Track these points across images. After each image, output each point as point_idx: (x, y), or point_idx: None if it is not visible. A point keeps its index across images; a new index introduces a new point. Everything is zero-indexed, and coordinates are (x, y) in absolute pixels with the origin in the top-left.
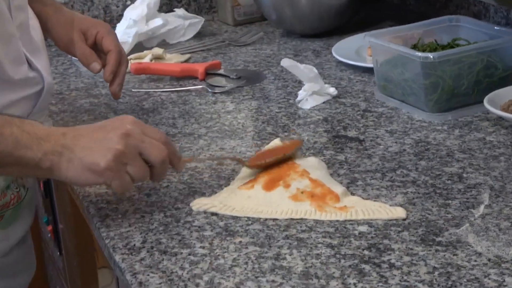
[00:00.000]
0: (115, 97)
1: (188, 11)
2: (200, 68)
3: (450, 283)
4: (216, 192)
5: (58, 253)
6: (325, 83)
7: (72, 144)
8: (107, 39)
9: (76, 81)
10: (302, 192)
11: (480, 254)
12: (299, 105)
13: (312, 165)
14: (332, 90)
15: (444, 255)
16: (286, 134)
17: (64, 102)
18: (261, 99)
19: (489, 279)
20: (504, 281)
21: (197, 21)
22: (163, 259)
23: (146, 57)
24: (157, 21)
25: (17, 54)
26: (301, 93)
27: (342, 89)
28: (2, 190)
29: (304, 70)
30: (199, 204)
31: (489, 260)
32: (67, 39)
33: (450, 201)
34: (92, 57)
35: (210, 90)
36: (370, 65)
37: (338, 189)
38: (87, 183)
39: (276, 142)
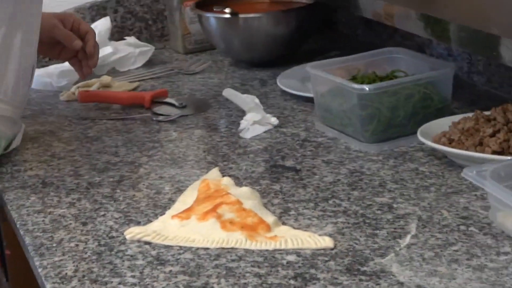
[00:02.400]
0: (91, 71)
1: (139, 39)
2: (146, 96)
3: None
4: (151, 221)
5: (5, 279)
6: (269, 112)
7: None
8: (83, 24)
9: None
10: (234, 222)
11: (402, 283)
12: (241, 135)
13: (245, 195)
14: (273, 120)
15: (368, 285)
16: (225, 163)
17: None
18: (205, 128)
19: None
20: None
21: (148, 50)
22: None
23: (94, 85)
24: (107, 49)
25: None
26: (243, 123)
27: (285, 119)
28: None
29: (245, 100)
30: (133, 233)
31: None
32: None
33: (378, 231)
34: (74, 36)
35: (154, 118)
36: (312, 95)
37: (270, 218)
38: None
39: (214, 172)
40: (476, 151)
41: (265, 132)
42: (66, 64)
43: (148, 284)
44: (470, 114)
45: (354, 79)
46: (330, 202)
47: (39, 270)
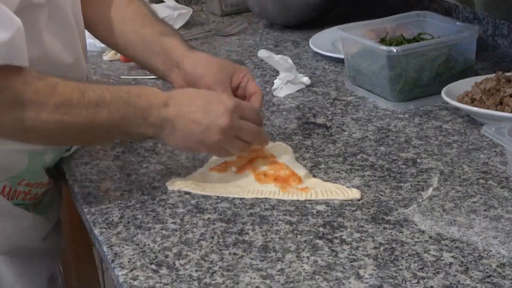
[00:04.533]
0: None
1: (178, 2)
2: None
3: (393, 257)
4: (190, 173)
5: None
6: (301, 72)
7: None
8: (252, 83)
9: None
10: (268, 175)
11: (423, 232)
12: (274, 93)
13: (279, 149)
14: (306, 79)
15: (391, 232)
16: None
17: None
18: None
19: (428, 254)
20: (441, 256)
21: (186, 12)
22: (137, 233)
23: None
24: None
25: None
26: (277, 82)
27: (316, 79)
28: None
29: (279, 61)
30: (174, 183)
31: (430, 237)
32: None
33: (402, 184)
34: None
35: None
36: (343, 56)
37: (301, 171)
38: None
39: None
40: (496, 110)
41: (297, 91)
42: None
43: (188, 230)
44: (492, 75)
45: (383, 41)
46: (358, 157)
47: (88, 216)
